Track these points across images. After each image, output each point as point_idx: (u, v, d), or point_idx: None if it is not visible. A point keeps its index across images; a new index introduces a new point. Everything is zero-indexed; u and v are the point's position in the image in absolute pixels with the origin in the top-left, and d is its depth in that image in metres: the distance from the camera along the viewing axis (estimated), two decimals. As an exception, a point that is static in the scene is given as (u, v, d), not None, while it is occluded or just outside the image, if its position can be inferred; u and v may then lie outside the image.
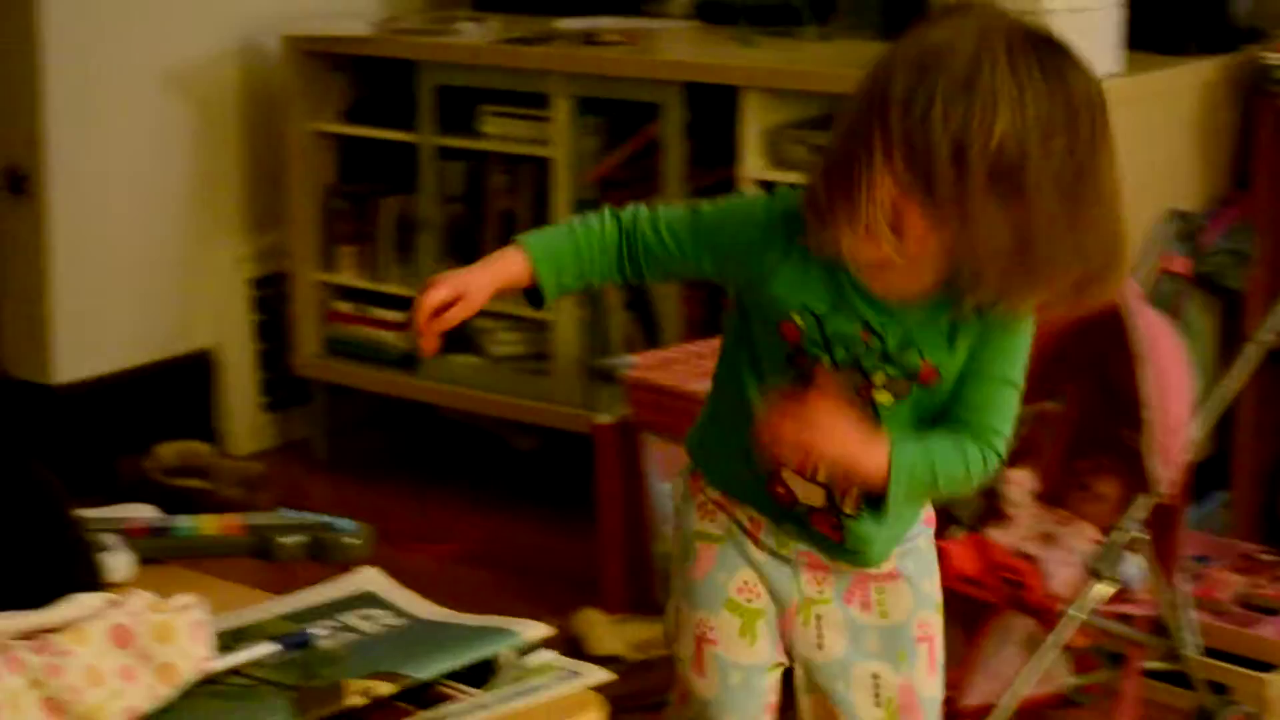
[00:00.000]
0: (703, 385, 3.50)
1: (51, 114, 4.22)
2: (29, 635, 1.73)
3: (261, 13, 4.52)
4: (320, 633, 1.91)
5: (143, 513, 2.31)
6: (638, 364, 3.55)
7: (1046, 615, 3.01)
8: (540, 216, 4.18)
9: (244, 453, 4.54)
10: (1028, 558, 3.08)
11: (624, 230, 2.05)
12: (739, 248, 2.02)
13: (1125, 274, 1.96)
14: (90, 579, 1.91)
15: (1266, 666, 3.28)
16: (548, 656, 1.93)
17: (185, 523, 2.28)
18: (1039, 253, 1.87)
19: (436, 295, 2.02)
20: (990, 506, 3.15)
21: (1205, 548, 3.61)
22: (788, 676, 2.17)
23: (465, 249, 4.35)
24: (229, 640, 1.86)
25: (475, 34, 4.29)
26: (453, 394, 4.35)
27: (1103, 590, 3.00)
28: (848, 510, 2.05)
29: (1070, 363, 3.00)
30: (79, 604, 1.78)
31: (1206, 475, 3.57)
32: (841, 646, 2.12)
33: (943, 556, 2.21)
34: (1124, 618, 3.08)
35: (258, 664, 1.84)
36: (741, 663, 2.13)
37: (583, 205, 4.09)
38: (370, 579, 2.09)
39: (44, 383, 4.31)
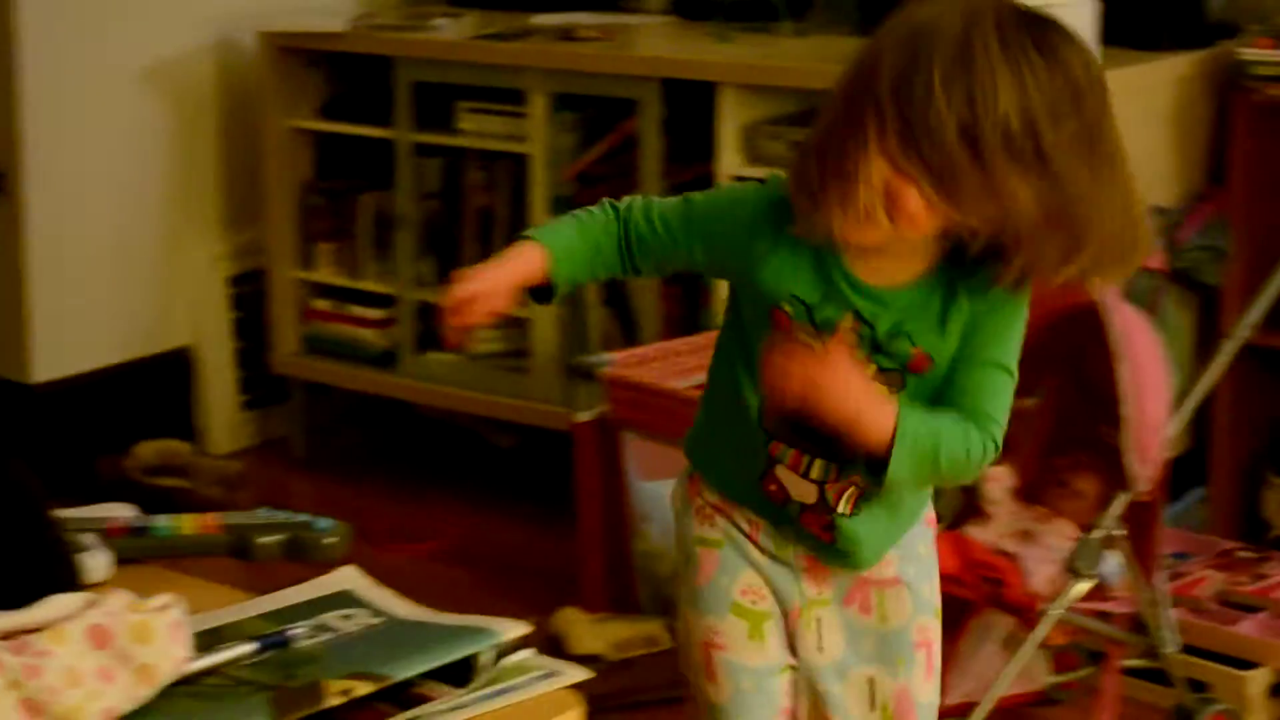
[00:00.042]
0: (681, 382, 3.55)
1: (29, 113, 4.21)
2: (7, 636, 1.72)
3: (238, 9, 4.51)
4: (299, 632, 1.91)
5: (121, 512, 2.30)
6: (616, 361, 3.55)
7: (1026, 613, 3.02)
8: (517, 213, 4.18)
9: (223, 451, 4.54)
10: (1007, 555, 3.08)
11: (621, 220, 2.05)
12: (729, 236, 2.00)
13: (1152, 238, 1.95)
14: (69, 579, 1.91)
15: (1245, 664, 3.28)
16: (527, 656, 1.93)
17: (164, 522, 2.27)
18: (1079, 213, 1.85)
19: (457, 296, 2.00)
20: (969, 504, 3.15)
21: (1184, 545, 3.62)
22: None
23: (443, 246, 4.35)
24: (207, 640, 1.85)
25: (451, 30, 4.29)
26: (431, 392, 4.35)
27: (1082, 588, 3.00)
28: (841, 510, 2.03)
29: (1048, 360, 3.00)
30: (57, 604, 1.77)
31: (1185, 472, 3.58)
32: (840, 649, 2.10)
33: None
34: (1103, 615, 3.08)
35: (236, 664, 1.84)
36: (752, 666, 2.10)
37: (560, 202, 4.09)
38: (349, 578, 2.09)
39: (22, 382, 4.31)
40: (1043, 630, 3.00)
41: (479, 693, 1.85)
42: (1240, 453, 3.83)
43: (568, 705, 1.87)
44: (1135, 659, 3.14)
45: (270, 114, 4.47)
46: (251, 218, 4.60)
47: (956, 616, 3.09)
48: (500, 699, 1.85)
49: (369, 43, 4.35)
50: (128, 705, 1.73)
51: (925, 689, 2.13)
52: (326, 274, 4.52)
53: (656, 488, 3.56)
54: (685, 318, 3.94)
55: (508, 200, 4.25)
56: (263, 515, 2.32)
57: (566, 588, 3.62)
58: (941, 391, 1.97)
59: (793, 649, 2.12)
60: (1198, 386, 3.17)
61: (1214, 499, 3.82)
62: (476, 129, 4.25)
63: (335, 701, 1.77)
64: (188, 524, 2.28)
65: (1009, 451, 3.13)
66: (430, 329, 4.34)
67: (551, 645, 3.31)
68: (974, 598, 3.03)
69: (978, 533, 3.10)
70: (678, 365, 3.59)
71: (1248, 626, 3.36)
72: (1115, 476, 2.97)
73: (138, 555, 2.20)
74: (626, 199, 2.07)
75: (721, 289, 3.80)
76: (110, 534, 2.18)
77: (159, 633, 1.76)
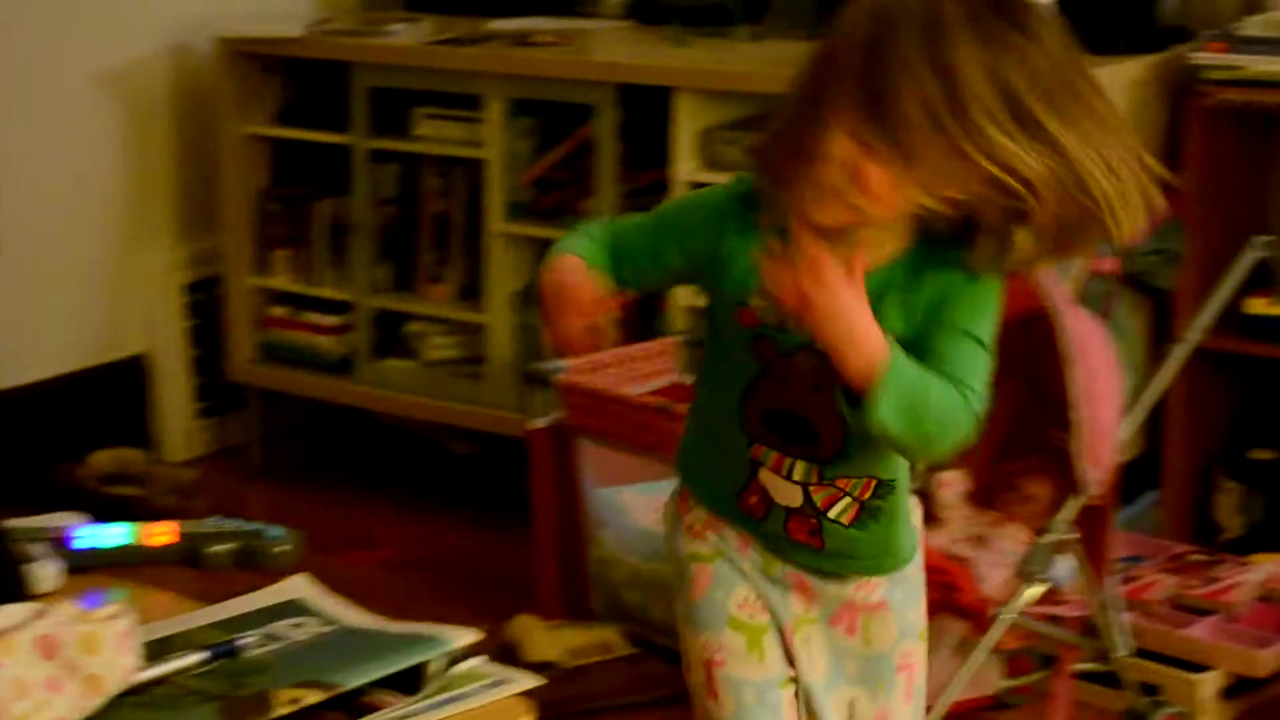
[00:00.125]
0: (637, 388, 3.55)
1: (-19, 117, 4.20)
2: (-46, 647, 1.72)
3: (193, 14, 4.50)
4: (248, 641, 1.91)
5: (73, 521, 2.30)
6: (571, 368, 3.55)
7: (978, 618, 3.03)
8: (474, 219, 4.18)
9: (178, 459, 4.52)
10: (959, 560, 3.09)
11: (605, 230, 2.05)
12: (699, 234, 1.99)
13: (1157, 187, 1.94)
14: (15, 590, 1.90)
15: (1197, 667, 3.30)
16: (477, 663, 1.93)
17: (117, 531, 2.27)
18: (1084, 170, 1.85)
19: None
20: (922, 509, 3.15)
21: (1136, 548, 3.63)
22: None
23: (399, 252, 4.35)
24: (157, 649, 1.85)
25: (408, 35, 4.28)
26: (387, 399, 4.35)
27: (1034, 592, 3.01)
28: (835, 518, 2.01)
29: (1000, 363, 3.00)
30: (4, 614, 1.77)
31: (1137, 475, 3.59)
32: (824, 668, 2.09)
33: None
34: (1055, 619, 3.09)
35: (185, 673, 1.84)
36: (752, 679, 2.07)
37: (516, 207, 4.10)
38: (299, 587, 2.09)
39: (-25, 389, 4.29)
40: (995, 635, 3.01)
41: (428, 701, 1.85)
42: (1193, 456, 3.84)
43: (518, 713, 1.88)
44: (1087, 663, 3.15)
45: (226, 120, 4.46)
46: (207, 224, 4.59)
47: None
48: (450, 707, 1.85)
49: (325, 48, 4.34)
50: (76, 716, 1.73)
51: (904, 712, 2.11)
52: (283, 281, 4.51)
53: (612, 494, 3.57)
54: (641, 324, 3.94)
55: (464, 206, 4.25)
56: (214, 524, 2.32)
57: (522, 595, 3.62)
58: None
59: (791, 662, 2.10)
60: (1150, 390, 3.18)
61: (1167, 502, 3.83)
62: (433, 134, 4.25)
63: (284, 710, 1.77)
64: (141, 533, 2.28)
65: (962, 456, 3.16)
66: (385, 336, 4.34)
67: (506, 652, 3.31)
68: (927, 602, 3.03)
69: (930, 537, 3.10)
70: (633, 371, 3.59)
71: (1199, 630, 3.37)
72: (1067, 481, 2.98)
73: (90, 564, 2.20)
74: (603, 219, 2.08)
75: (678, 296, 3.83)
76: (61, 543, 2.18)
77: (107, 643, 1.76)
